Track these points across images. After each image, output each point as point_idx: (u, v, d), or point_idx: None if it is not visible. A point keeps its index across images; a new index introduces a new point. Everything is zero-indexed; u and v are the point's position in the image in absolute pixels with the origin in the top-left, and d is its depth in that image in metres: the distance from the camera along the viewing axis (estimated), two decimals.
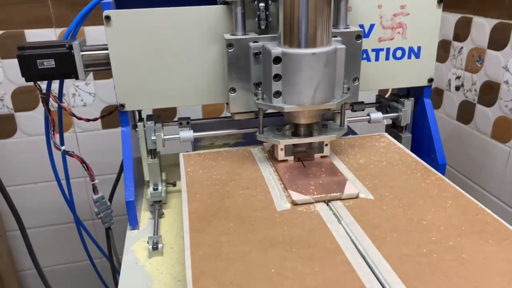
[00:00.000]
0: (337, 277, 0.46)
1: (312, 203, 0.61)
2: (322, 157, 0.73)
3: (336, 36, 0.69)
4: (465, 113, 1.18)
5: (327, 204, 0.61)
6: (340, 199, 0.61)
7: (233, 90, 0.72)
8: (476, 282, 0.45)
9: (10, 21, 1.13)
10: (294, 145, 0.73)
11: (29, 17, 1.14)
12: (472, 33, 1.12)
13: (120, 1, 0.75)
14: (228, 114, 0.79)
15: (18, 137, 1.24)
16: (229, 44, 0.69)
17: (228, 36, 0.70)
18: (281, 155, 0.71)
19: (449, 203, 0.59)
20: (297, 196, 0.61)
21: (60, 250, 1.39)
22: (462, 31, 1.16)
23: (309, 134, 0.72)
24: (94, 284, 1.36)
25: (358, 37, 0.71)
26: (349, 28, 0.72)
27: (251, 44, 0.68)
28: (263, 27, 0.71)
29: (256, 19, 0.71)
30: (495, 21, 1.04)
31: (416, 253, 0.50)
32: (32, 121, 1.23)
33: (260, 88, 0.68)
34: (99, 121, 1.27)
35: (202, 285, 0.45)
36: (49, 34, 1.16)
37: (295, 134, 0.73)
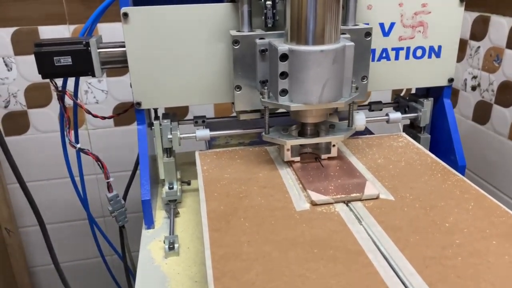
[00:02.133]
0: (361, 280, 0.45)
1: (331, 203, 0.60)
2: (330, 158, 0.71)
3: (344, 33, 0.68)
4: (482, 113, 1.16)
5: (347, 205, 0.60)
6: (360, 199, 0.60)
7: (238, 88, 0.71)
8: (504, 285, 0.44)
9: (23, 18, 1.13)
10: (301, 145, 0.72)
11: (42, 14, 1.14)
12: (490, 32, 1.11)
13: None
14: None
15: (31, 134, 1.24)
16: (235, 41, 0.68)
17: (234, 33, 0.69)
18: (287, 155, 0.70)
19: (471, 205, 0.58)
20: (316, 197, 0.60)
21: (70, 247, 1.40)
22: (479, 30, 1.15)
23: (316, 134, 0.71)
24: (104, 281, 1.37)
25: (367, 34, 0.69)
26: (358, 25, 0.71)
27: (258, 40, 0.67)
28: (269, 25, 0.69)
29: (263, 17, 0.70)
30: None
31: (440, 255, 0.49)
32: (44, 118, 1.23)
33: (266, 86, 0.67)
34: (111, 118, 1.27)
35: (223, 285, 0.45)
36: (63, 31, 1.16)
37: (302, 134, 0.72)
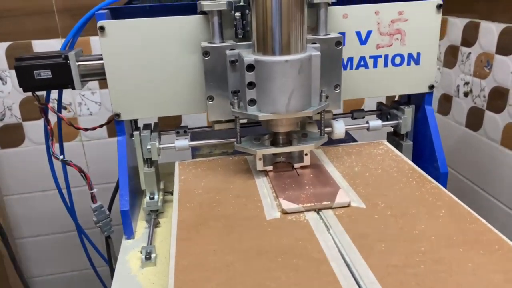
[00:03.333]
0: None
1: (302, 211, 0.60)
2: (306, 166, 0.71)
3: (315, 43, 0.68)
4: (474, 119, 1.16)
5: (318, 213, 0.60)
6: (331, 207, 0.60)
7: (211, 98, 0.71)
8: None
9: (18, 32, 1.15)
10: (274, 154, 0.72)
11: (36, 28, 1.16)
12: (480, 38, 1.10)
13: (116, 13, 0.76)
14: None
15: (26, 146, 1.26)
16: (205, 52, 0.69)
17: (204, 44, 0.69)
18: (259, 165, 0.70)
19: (442, 212, 0.58)
20: (287, 205, 0.60)
21: (66, 258, 1.41)
22: (470, 36, 1.14)
23: (288, 143, 0.71)
24: None
25: (338, 43, 0.70)
26: (329, 34, 0.71)
27: (228, 51, 0.68)
28: (240, 36, 0.70)
29: (234, 28, 0.70)
30: (503, 26, 1.02)
31: (403, 264, 0.48)
32: (39, 130, 1.25)
33: (236, 96, 0.67)
34: (105, 129, 1.28)
35: None
36: (56, 44, 1.18)
37: (274, 143, 0.72)
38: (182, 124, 1.30)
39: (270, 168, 0.71)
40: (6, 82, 1.20)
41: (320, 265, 0.49)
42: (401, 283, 0.45)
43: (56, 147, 0.85)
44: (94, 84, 1.24)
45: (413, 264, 0.48)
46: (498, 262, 0.48)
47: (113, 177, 1.25)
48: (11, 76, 1.19)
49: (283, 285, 0.46)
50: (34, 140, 1.26)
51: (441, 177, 0.79)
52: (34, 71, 0.72)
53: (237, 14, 0.67)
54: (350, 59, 0.77)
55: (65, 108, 1.25)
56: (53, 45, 1.18)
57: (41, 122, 1.24)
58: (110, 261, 0.93)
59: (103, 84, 1.24)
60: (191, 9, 0.73)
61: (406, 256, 0.50)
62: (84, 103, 1.26)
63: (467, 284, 0.45)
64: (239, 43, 0.69)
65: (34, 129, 1.25)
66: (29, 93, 1.17)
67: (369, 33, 0.76)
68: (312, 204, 0.60)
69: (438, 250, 0.50)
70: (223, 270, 0.49)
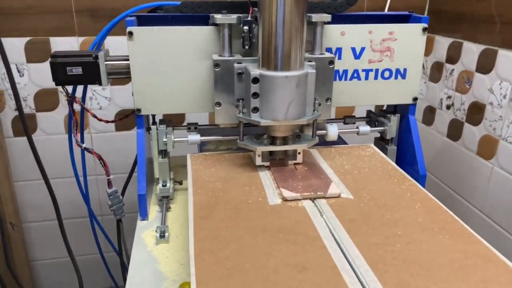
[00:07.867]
0: (315, 258, 0.56)
1: (299, 199, 0.70)
2: (303, 163, 0.82)
3: (311, 61, 0.79)
4: (454, 130, 1.26)
5: (313, 201, 0.70)
6: (324, 197, 0.71)
7: (218, 104, 0.82)
8: (430, 266, 0.54)
9: (37, 29, 1.24)
10: (271, 152, 0.82)
11: (54, 26, 1.24)
12: (463, 57, 1.21)
13: (142, 19, 0.86)
14: None
15: (38, 135, 1.34)
16: (216, 64, 0.79)
17: (215, 57, 0.80)
18: (258, 160, 0.80)
19: (418, 205, 0.69)
20: (287, 193, 0.70)
21: (71, 243, 1.49)
22: (454, 54, 1.25)
23: (285, 143, 0.81)
24: (103, 275, 1.45)
25: (331, 62, 0.80)
26: (323, 54, 0.82)
27: (235, 65, 0.78)
28: (247, 47, 0.81)
29: (241, 40, 0.81)
30: (483, 47, 1.13)
31: (383, 243, 0.59)
32: (51, 120, 1.33)
33: (241, 103, 0.78)
34: (112, 123, 1.37)
35: (202, 258, 0.55)
36: (72, 42, 1.26)
37: (272, 142, 0.82)
38: (186, 121, 1.39)
39: (267, 163, 0.81)
40: (23, 75, 1.28)
41: (314, 241, 0.59)
42: (380, 257, 0.56)
43: (77, 136, 0.94)
44: None
45: (390, 243, 0.59)
46: (459, 244, 0.59)
47: (118, 169, 1.35)
48: (28, 69, 1.27)
49: (284, 254, 0.56)
50: (45, 130, 1.34)
51: (420, 179, 0.90)
52: (67, 68, 0.81)
53: (245, 27, 0.78)
54: (345, 71, 0.87)
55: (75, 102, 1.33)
56: (69, 42, 1.26)
57: (53, 113, 1.33)
58: (120, 243, 1.02)
59: (114, 81, 1.33)
60: (207, 20, 0.83)
61: (385, 237, 0.60)
62: (95, 97, 1.34)
63: (433, 259, 0.56)
64: (245, 58, 0.80)
65: (46, 119, 1.33)
66: (44, 86, 1.29)
67: (362, 49, 0.87)
68: (308, 193, 0.71)
69: (411, 234, 0.61)
70: (234, 241, 0.59)
